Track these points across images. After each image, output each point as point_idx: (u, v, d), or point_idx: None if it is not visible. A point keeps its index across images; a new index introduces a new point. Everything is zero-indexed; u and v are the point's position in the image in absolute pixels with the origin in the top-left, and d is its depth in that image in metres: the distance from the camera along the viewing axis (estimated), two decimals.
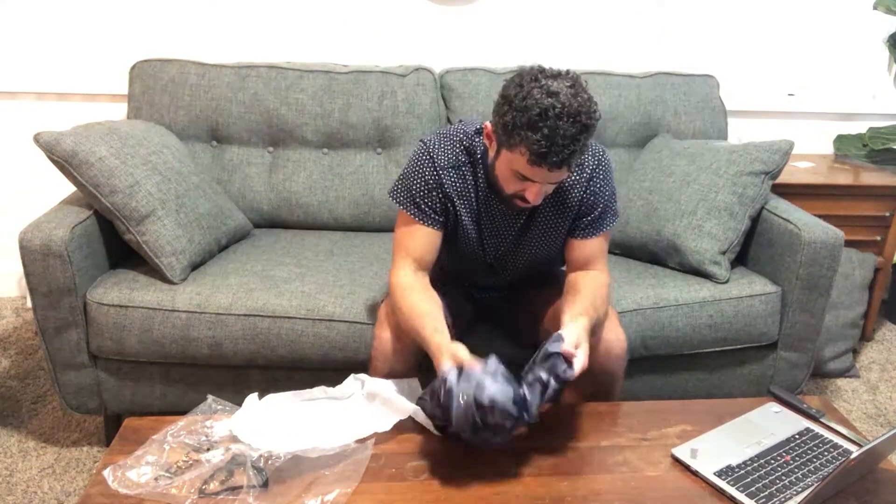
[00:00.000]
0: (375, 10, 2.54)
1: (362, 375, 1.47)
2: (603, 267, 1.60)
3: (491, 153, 1.45)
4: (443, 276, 1.66)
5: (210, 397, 1.44)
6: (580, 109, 1.27)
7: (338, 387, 1.45)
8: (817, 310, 1.96)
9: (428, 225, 1.55)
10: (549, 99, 1.26)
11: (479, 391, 1.21)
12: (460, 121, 1.58)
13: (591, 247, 1.59)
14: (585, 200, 1.55)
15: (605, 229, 1.59)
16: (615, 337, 1.57)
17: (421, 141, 1.56)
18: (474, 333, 1.76)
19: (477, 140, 1.53)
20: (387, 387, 1.43)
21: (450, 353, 1.31)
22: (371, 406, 1.42)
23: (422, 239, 1.56)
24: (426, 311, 1.45)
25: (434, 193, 1.53)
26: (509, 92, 1.32)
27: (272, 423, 1.34)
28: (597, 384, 1.61)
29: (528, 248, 1.63)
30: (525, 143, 1.29)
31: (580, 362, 1.31)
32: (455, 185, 1.53)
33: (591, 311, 1.45)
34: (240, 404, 1.38)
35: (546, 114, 1.26)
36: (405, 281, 1.52)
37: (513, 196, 1.44)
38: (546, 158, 1.28)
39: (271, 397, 1.41)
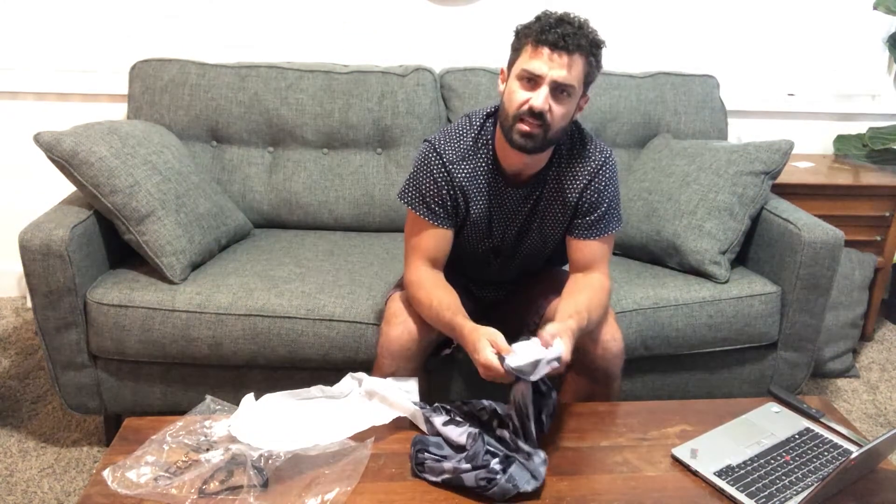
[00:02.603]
0: (375, 10, 2.54)
1: (360, 374, 1.47)
2: (604, 271, 1.60)
3: (501, 93, 1.48)
4: (445, 272, 1.66)
5: (208, 397, 1.43)
6: (587, 22, 1.43)
7: (335, 385, 1.45)
8: (817, 310, 1.96)
9: (439, 225, 1.56)
10: (562, 13, 1.43)
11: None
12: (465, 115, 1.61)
13: (592, 249, 1.59)
14: (587, 197, 1.55)
15: (606, 233, 1.58)
16: (611, 337, 1.57)
17: (426, 141, 1.57)
18: None
19: (487, 125, 1.55)
20: (385, 385, 1.43)
21: (487, 336, 1.36)
22: (369, 403, 1.42)
23: (434, 240, 1.57)
24: (451, 301, 1.50)
25: (444, 192, 1.54)
26: None
27: (270, 423, 1.34)
28: (594, 384, 1.62)
29: (532, 235, 1.64)
30: (532, 29, 1.40)
31: (559, 349, 1.32)
32: (466, 175, 1.54)
33: (584, 313, 1.45)
34: (239, 404, 1.38)
35: (552, 13, 1.42)
36: (424, 276, 1.55)
37: (516, 119, 1.42)
38: (549, 32, 1.37)
39: (268, 397, 1.41)
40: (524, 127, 1.41)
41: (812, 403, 1.51)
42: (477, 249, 1.67)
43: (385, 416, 1.37)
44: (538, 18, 1.42)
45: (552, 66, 1.38)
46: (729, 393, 2.04)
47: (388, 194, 2.26)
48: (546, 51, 1.37)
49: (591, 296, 1.52)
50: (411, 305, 1.57)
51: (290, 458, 1.25)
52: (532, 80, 1.40)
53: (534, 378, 1.29)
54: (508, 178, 1.56)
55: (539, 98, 1.39)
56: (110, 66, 2.52)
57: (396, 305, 1.59)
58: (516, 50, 1.44)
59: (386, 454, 1.31)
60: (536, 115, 1.40)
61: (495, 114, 1.54)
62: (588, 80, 1.45)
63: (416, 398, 1.44)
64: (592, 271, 1.59)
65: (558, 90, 1.40)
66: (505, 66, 1.49)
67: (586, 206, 1.56)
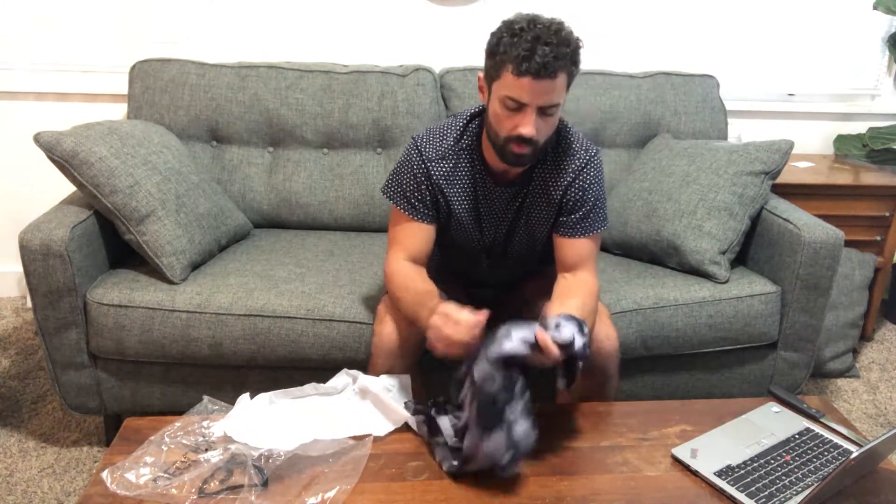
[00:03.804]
0: (375, 10, 2.54)
1: (354, 372, 1.47)
2: (591, 270, 1.60)
3: (484, 100, 1.45)
4: (438, 273, 1.67)
5: (206, 398, 1.43)
6: (560, 27, 1.35)
7: (329, 382, 1.45)
8: (817, 310, 1.96)
9: (419, 220, 1.57)
10: (532, 18, 1.35)
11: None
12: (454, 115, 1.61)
13: (578, 248, 1.58)
14: (571, 194, 1.55)
15: (591, 233, 1.58)
16: (606, 336, 1.57)
17: (411, 137, 1.59)
18: None
19: (471, 126, 1.55)
20: (379, 382, 1.43)
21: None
22: (365, 404, 1.42)
23: (415, 234, 1.58)
24: (429, 289, 1.50)
25: (423, 187, 1.55)
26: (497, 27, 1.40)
27: (266, 422, 1.34)
28: (590, 384, 1.62)
29: (520, 233, 1.64)
30: (509, 54, 1.33)
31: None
32: (445, 175, 1.55)
33: (579, 311, 1.44)
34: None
35: (529, 25, 1.33)
36: (402, 267, 1.56)
37: (507, 141, 1.41)
38: (530, 61, 1.31)
39: (262, 396, 1.41)
40: (516, 149, 1.42)
41: (812, 403, 1.51)
42: (468, 249, 1.67)
43: (382, 428, 1.37)
44: (513, 35, 1.33)
45: (535, 94, 1.35)
46: (729, 393, 2.04)
47: None
48: (528, 80, 1.33)
49: (584, 298, 1.51)
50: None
51: (290, 457, 1.25)
52: (517, 105, 1.37)
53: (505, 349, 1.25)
54: (496, 177, 1.56)
55: (528, 127, 1.37)
56: (110, 66, 2.53)
57: (388, 304, 1.60)
58: (495, 68, 1.38)
59: (386, 454, 1.31)
60: (526, 140, 1.39)
61: (480, 114, 1.55)
62: (569, 83, 1.43)
63: (409, 395, 1.44)
64: (580, 271, 1.58)
65: (545, 109, 1.39)
66: (482, 72, 1.44)
67: (571, 203, 1.56)
